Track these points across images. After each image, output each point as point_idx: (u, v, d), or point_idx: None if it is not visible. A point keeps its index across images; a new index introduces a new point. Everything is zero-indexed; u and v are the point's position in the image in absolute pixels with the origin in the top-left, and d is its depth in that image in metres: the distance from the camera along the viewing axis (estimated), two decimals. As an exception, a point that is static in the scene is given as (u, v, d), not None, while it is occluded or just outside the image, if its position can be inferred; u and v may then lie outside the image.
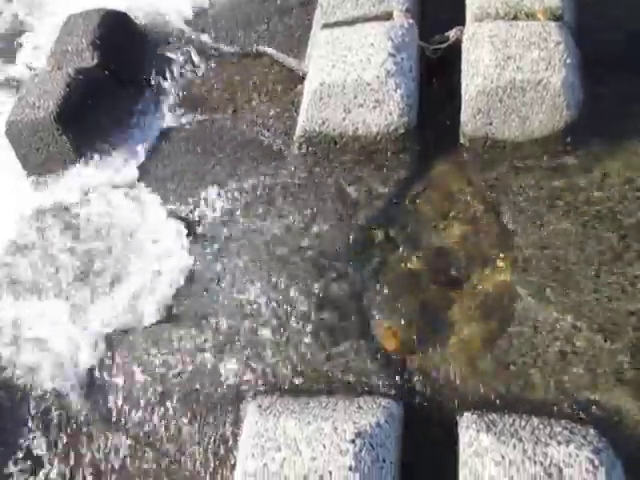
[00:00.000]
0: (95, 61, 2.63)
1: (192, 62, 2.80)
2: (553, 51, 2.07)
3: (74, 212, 2.33)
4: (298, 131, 2.28)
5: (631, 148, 2.06)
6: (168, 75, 2.75)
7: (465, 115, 2.14)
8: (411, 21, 2.34)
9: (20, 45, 3.13)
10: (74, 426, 1.87)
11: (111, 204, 2.31)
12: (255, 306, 1.95)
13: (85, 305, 2.07)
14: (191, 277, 2.08)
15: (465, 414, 1.62)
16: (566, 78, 2.03)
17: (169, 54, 2.83)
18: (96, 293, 2.10)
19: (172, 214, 2.25)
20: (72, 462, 1.81)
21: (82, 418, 1.87)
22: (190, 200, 2.27)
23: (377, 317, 1.88)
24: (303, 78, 2.46)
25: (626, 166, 2.02)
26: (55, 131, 2.39)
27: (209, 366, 1.88)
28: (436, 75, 2.35)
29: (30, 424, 1.89)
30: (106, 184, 2.37)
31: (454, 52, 2.30)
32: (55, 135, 2.40)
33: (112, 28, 2.76)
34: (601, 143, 2.08)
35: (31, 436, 1.87)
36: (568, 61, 2.05)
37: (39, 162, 2.47)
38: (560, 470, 1.42)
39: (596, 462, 1.43)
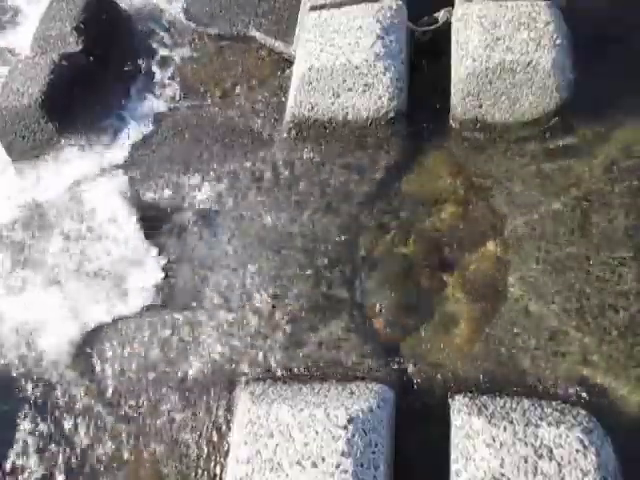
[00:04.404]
0: (80, 46, 2.58)
1: (179, 47, 2.76)
2: (543, 31, 2.05)
3: (60, 200, 2.30)
4: (287, 116, 2.26)
5: (621, 130, 2.05)
6: (155, 60, 2.71)
7: (455, 98, 2.13)
8: (400, 2, 2.31)
9: (2, 30, 3.07)
10: (66, 414, 1.87)
11: (97, 191, 2.28)
12: (247, 292, 1.95)
13: (73, 293, 2.07)
14: (180, 264, 2.07)
15: (457, 397, 1.63)
16: (556, 59, 2.01)
17: (155, 39, 2.79)
18: (83, 281, 2.08)
19: (161, 200, 2.23)
20: (66, 450, 1.81)
21: (76, 405, 1.87)
22: (179, 186, 2.25)
23: (369, 302, 1.88)
24: (291, 62, 2.43)
25: (616, 147, 2.02)
26: (40, 118, 2.36)
27: (201, 353, 1.87)
28: (426, 57, 2.33)
29: (23, 411, 1.90)
30: (93, 171, 2.34)
31: (443, 34, 2.27)
32: (40, 122, 2.37)
33: (96, 12, 2.71)
34: (592, 124, 2.07)
35: (24, 422, 1.88)
36: (558, 41, 2.04)
37: (25, 150, 2.43)
38: (550, 451, 1.44)
39: (586, 442, 1.44)
